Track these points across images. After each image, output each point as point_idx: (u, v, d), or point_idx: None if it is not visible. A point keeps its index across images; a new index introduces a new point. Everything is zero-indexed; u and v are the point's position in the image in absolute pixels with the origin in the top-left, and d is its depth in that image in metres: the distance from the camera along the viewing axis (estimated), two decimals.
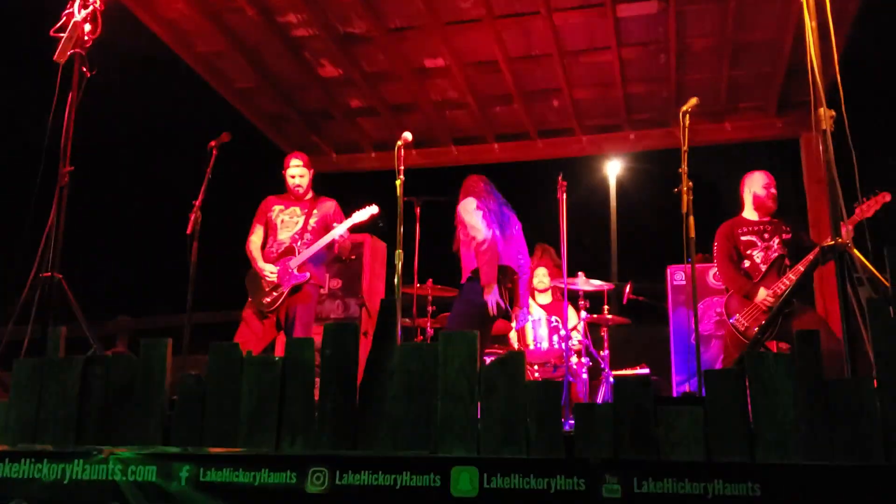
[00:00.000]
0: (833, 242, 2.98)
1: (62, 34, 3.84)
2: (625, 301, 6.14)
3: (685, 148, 4.04)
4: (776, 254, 4.54)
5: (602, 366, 5.43)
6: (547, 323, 5.45)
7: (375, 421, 2.38)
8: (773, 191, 4.72)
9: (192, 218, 4.40)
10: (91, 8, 3.89)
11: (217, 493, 2.28)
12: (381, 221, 4.98)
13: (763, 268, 4.53)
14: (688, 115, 4.12)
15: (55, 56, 3.81)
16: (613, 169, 13.80)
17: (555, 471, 2.13)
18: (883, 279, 2.69)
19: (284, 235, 4.88)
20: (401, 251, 4.21)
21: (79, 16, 3.85)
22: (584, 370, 5.33)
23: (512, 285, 4.71)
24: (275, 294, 4.72)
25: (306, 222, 4.91)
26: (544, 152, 7.33)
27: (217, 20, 5.76)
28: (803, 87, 3.68)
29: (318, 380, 2.47)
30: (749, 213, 4.76)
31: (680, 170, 4.03)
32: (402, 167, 4.33)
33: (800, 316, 4.28)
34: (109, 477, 2.36)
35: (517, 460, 2.19)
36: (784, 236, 4.59)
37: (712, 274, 5.71)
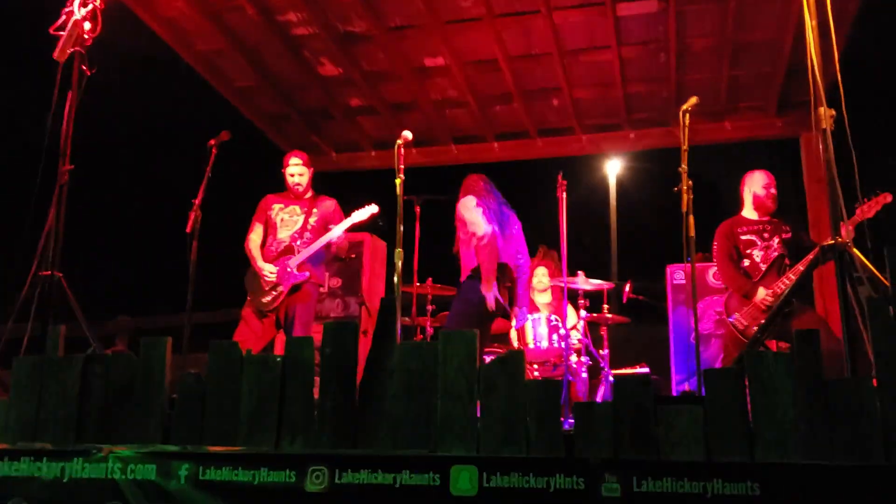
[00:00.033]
0: (833, 242, 2.98)
1: (62, 32, 3.84)
2: (624, 300, 6.13)
3: (685, 147, 4.04)
4: (776, 253, 4.54)
5: (602, 365, 5.43)
6: (546, 322, 5.45)
7: (375, 420, 2.38)
8: (773, 190, 4.72)
9: (192, 217, 4.40)
10: (91, 6, 3.89)
11: (216, 491, 2.29)
12: (381, 220, 4.98)
13: (763, 267, 4.53)
14: (688, 115, 4.12)
15: (55, 54, 3.81)
16: (613, 168, 13.73)
17: (554, 470, 2.13)
18: (883, 279, 2.69)
19: (284, 234, 4.87)
20: (401, 250, 4.21)
21: (78, 14, 3.84)
22: (583, 369, 5.33)
23: (511, 284, 4.71)
24: (274, 293, 4.72)
25: (306, 221, 4.90)
26: (544, 151, 7.32)
27: (217, 19, 5.76)
28: (803, 87, 3.68)
29: (317, 379, 2.47)
30: (749, 213, 4.76)
31: (680, 168, 4.03)
32: (401, 166, 4.32)
33: (799, 315, 4.28)
34: (109, 475, 2.36)
35: (517, 459, 2.19)
36: (784, 236, 4.59)
37: (712, 273, 5.71)
